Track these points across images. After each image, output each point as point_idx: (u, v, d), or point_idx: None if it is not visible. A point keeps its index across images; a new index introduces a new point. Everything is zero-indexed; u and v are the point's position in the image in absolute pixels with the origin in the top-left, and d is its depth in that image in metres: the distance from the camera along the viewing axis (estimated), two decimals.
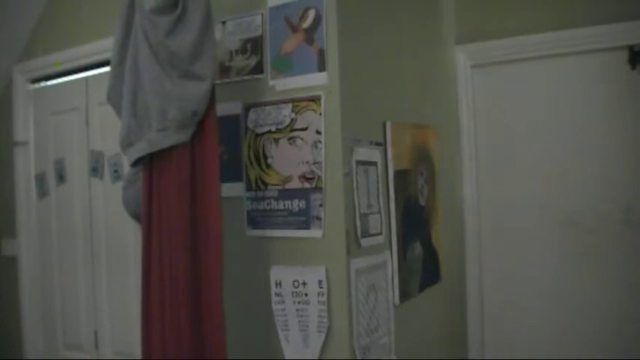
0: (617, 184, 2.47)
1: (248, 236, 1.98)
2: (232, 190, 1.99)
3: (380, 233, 1.99)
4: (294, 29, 1.89)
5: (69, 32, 2.85)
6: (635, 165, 2.44)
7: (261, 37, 1.97)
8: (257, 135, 1.96)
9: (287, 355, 1.87)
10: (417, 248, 2.25)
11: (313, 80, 1.85)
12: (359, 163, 1.89)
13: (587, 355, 2.45)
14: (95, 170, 2.83)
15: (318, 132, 1.83)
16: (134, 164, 1.81)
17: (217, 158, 1.79)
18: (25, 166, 3.14)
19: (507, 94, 2.72)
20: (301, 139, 1.87)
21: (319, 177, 1.83)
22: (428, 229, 2.38)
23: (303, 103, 1.86)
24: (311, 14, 1.86)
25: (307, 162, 1.85)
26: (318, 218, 1.83)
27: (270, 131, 1.93)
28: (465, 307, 2.75)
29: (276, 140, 1.92)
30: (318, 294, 1.81)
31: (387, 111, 2.10)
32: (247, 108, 1.99)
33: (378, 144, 2.01)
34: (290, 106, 1.89)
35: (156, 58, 1.71)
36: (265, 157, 1.94)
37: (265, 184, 1.94)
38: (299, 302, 1.85)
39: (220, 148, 1.89)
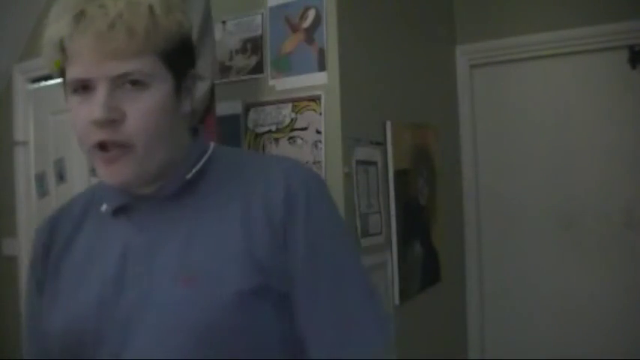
0: (618, 184, 2.47)
1: None
2: None
3: (380, 233, 1.99)
4: (294, 29, 1.89)
5: None
6: (636, 165, 2.44)
7: (261, 36, 1.97)
8: (257, 135, 1.96)
9: None
10: (417, 248, 2.25)
11: (313, 80, 1.85)
12: (359, 163, 1.89)
13: (587, 355, 2.44)
14: (95, 170, 2.83)
15: (318, 132, 1.83)
16: None
17: None
18: (25, 166, 3.13)
19: (507, 94, 2.72)
20: (301, 138, 1.87)
21: None
22: (428, 229, 2.37)
23: (303, 103, 1.86)
24: (311, 14, 1.86)
25: (307, 162, 1.85)
26: None
27: (270, 131, 1.93)
28: (464, 307, 2.75)
29: (277, 140, 1.91)
30: None
31: (387, 111, 2.10)
32: (247, 108, 1.99)
33: (378, 144, 2.01)
34: (290, 105, 1.89)
35: None
36: None
37: None
38: None
39: None
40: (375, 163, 1.98)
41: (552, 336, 2.58)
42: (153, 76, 0.80)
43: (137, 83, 0.79)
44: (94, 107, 0.77)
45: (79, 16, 0.77)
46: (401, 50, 2.26)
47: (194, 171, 0.87)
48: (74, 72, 0.79)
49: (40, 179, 3.08)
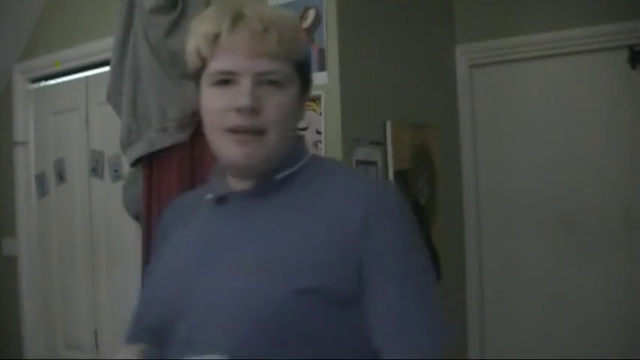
0: (617, 184, 2.47)
1: None
2: None
3: None
4: None
5: (69, 32, 2.85)
6: (635, 165, 2.44)
7: None
8: None
9: None
10: None
11: (313, 80, 1.84)
12: (359, 162, 1.89)
13: (588, 355, 2.44)
14: (95, 170, 2.83)
15: (318, 132, 1.83)
16: (134, 164, 1.81)
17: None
18: (25, 166, 3.14)
19: (507, 94, 2.72)
20: None
21: None
22: (428, 229, 2.37)
23: None
24: (311, 14, 1.86)
25: None
26: None
27: None
28: (465, 307, 2.75)
29: None
30: None
31: (387, 111, 2.10)
32: None
33: (378, 144, 2.01)
34: None
35: (156, 58, 1.72)
36: None
37: None
38: None
39: None
40: (375, 163, 1.98)
41: (552, 336, 2.58)
42: (288, 79, 0.92)
43: (275, 83, 0.91)
44: (239, 96, 0.88)
45: (238, 17, 0.90)
46: (401, 50, 2.26)
47: (283, 174, 0.95)
48: (222, 65, 0.90)
49: (40, 179, 3.08)
